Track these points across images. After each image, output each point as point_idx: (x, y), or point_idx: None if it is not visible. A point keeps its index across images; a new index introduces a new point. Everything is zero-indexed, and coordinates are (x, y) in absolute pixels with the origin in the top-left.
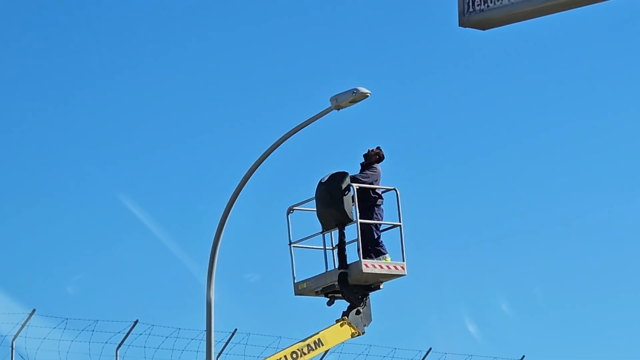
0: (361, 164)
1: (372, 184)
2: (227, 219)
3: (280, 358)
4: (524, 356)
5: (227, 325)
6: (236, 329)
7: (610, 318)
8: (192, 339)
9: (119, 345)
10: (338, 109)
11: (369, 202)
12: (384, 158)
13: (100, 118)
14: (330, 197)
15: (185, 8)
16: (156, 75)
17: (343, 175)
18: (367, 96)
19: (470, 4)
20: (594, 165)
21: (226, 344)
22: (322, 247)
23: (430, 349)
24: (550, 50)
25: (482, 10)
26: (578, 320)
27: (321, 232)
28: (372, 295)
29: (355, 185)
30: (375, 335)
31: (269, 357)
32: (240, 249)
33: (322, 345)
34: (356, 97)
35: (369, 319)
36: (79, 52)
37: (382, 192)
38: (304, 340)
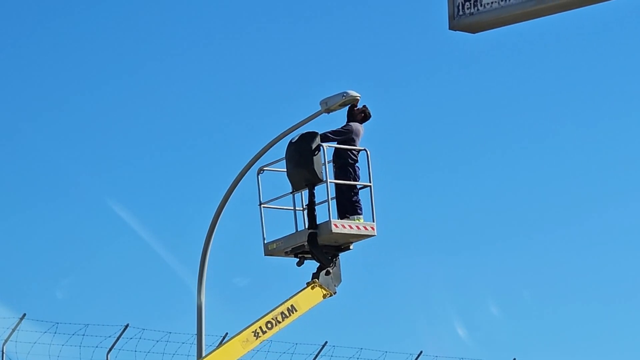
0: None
1: (346, 141)
2: (217, 223)
3: (256, 329)
4: (514, 359)
5: (217, 329)
6: (227, 333)
7: (600, 319)
8: (183, 343)
9: (110, 350)
10: (328, 112)
11: (343, 160)
12: (369, 117)
13: (89, 123)
14: (299, 157)
15: (171, 13)
16: (145, 81)
17: (313, 134)
18: (357, 99)
19: (460, 7)
20: (583, 169)
21: (216, 348)
22: (292, 207)
23: (421, 352)
24: (540, 53)
25: (472, 13)
26: (568, 322)
27: (291, 193)
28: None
29: (325, 145)
30: (366, 339)
31: (244, 329)
32: (229, 253)
33: (296, 310)
34: (346, 100)
35: (338, 279)
36: (69, 57)
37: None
38: (276, 308)
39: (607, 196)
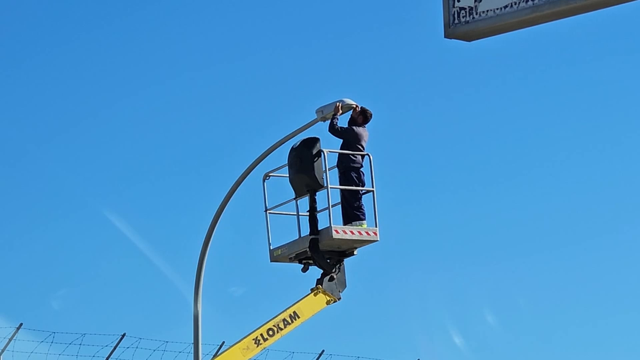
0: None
1: (347, 143)
2: (213, 233)
3: (257, 337)
4: None
5: (214, 338)
6: (223, 342)
7: (597, 328)
8: (180, 352)
9: (107, 359)
10: (324, 121)
11: (345, 164)
12: (370, 117)
13: (85, 131)
14: (300, 163)
15: (167, 18)
16: (140, 89)
17: (314, 140)
18: (353, 107)
19: (456, 15)
20: (578, 176)
21: (214, 357)
22: (296, 213)
23: None
24: (536, 61)
25: (468, 22)
26: (564, 331)
27: (294, 199)
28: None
29: (326, 150)
30: (363, 347)
31: (245, 337)
32: (225, 262)
33: (298, 317)
34: (342, 108)
35: (343, 285)
36: (64, 62)
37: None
38: (278, 315)
39: (604, 202)
